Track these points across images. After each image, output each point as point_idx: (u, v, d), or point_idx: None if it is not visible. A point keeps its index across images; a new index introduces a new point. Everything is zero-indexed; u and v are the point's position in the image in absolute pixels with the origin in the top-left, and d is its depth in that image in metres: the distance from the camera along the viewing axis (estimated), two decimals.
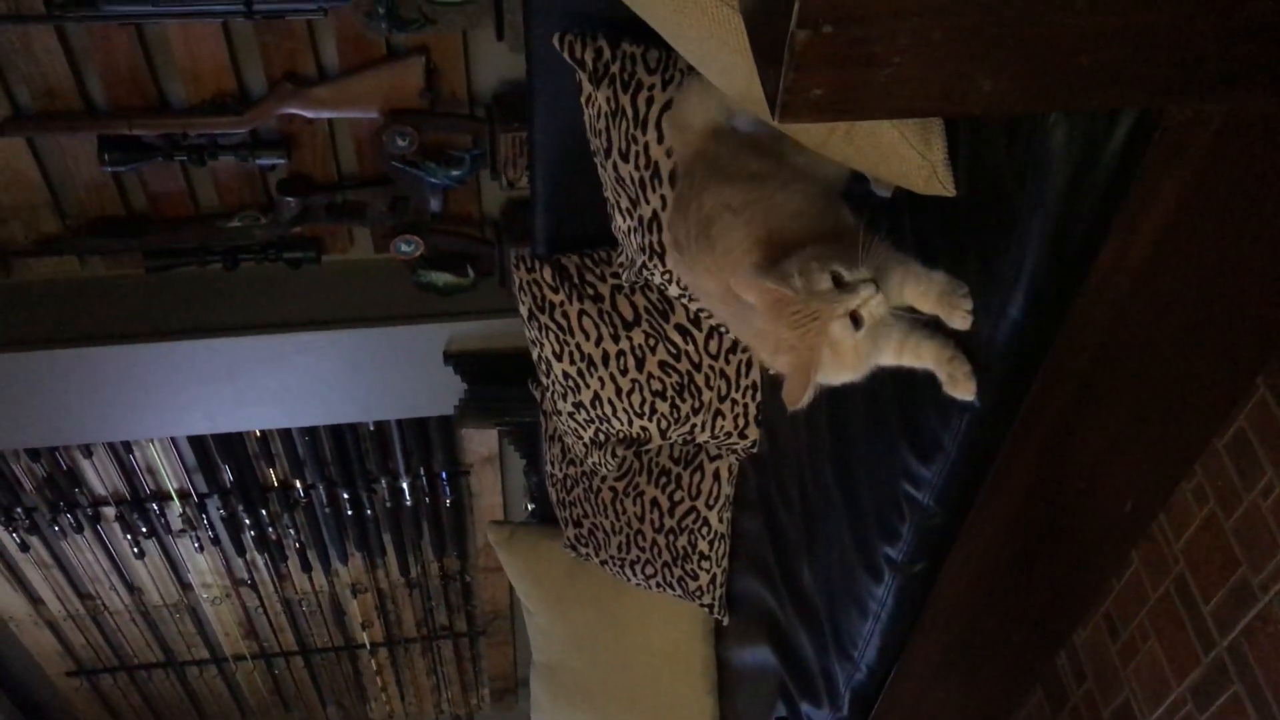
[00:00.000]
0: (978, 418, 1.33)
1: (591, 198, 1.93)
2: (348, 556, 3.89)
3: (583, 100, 1.82)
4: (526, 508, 3.50)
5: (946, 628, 1.67)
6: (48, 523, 3.49)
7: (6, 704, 4.24)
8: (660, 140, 1.72)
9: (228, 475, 3.42)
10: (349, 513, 3.61)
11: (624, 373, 2.06)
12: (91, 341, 2.69)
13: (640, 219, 1.82)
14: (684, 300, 1.98)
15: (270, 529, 3.66)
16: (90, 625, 4.08)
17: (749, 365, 2.03)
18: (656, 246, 1.82)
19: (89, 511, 3.50)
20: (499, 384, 2.85)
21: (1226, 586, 1.47)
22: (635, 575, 2.37)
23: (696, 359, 2.03)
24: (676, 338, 2.03)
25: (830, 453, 1.72)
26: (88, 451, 3.28)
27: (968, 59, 0.84)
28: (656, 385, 2.06)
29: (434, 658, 4.64)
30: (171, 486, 3.46)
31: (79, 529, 3.53)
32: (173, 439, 3.30)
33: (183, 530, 3.62)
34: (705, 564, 2.27)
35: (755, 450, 2.11)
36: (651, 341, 2.04)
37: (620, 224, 1.90)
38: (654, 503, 2.25)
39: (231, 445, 3.34)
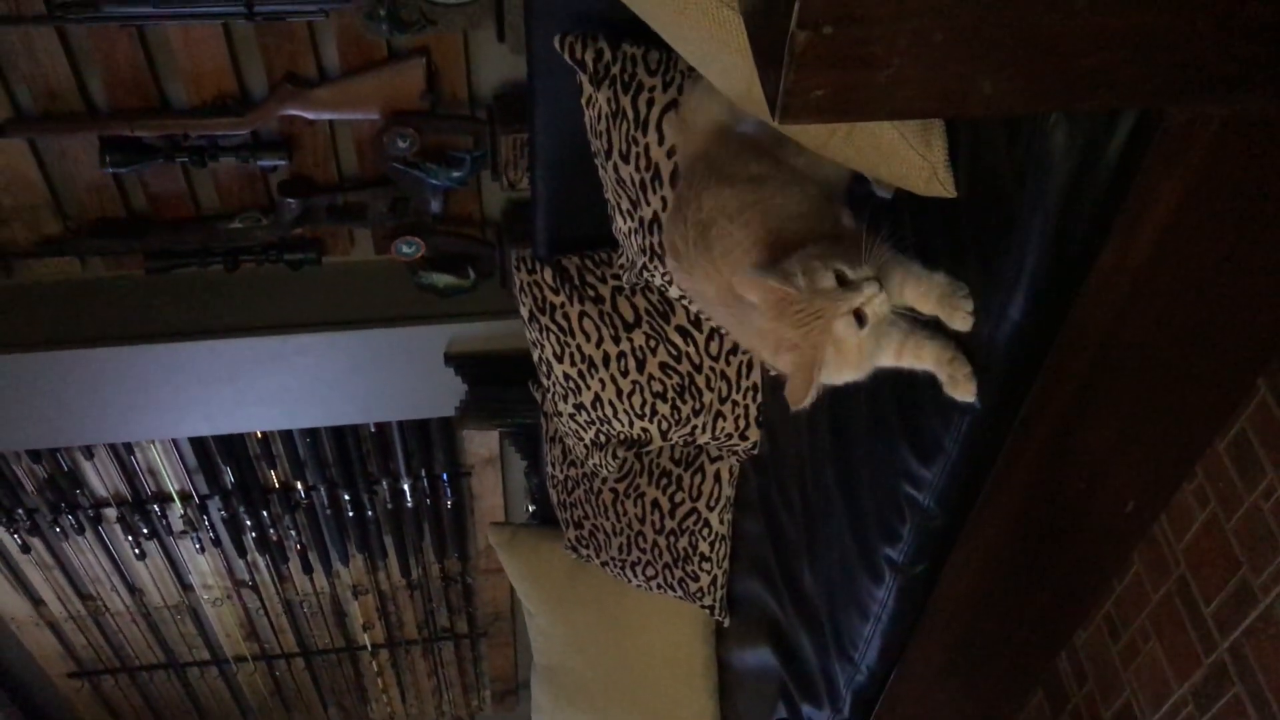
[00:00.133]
0: (978, 419, 1.33)
1: (592, 199, 1.93)
2: (349, 558, 3.89)
3: (583, 102, 1.82)
4: (527, 509, 3.51)
5: (947, 629, 1.67)
6: (49, 524, 3.49)
7: (7, 705, 4.24)
8: (661, 142, 1.72)
9: (229, 476, 3.42)
10: (350, 514, 3.61)
11: (625, 374, 2.06)
12: (93, 343, 2.69)
13: (641, 220, 1.82)
14: (685, 302, 1.98)
15: (271, 530, 3.66)
16: (91, 626, 4.08)
17: (750, 367, 2.03)
18: (657, 248, 1.82)
19: (90, 513, 3.50)
20: (500, 385, 2.86)
21: (1228, 588, 1.47)
22: (636, 577, 2.37)
23: (697, 360, 2.03)
24: (677, 339, 2.03)
25: (831, 454, 1.72)
26: (89, 453, 3.28)
27: (968, 60, 0.84)
28: (657, 387, 2.06)
29: (435, 659, 4.64)
30: (173, 488, 3.46)
31: (80, 530, 3.53)
32: (174, 440, 3.30)
33: (184, 531, 3.62)
34: (706, 565, 2.27)
35: (756, 452, 2.11)
36: (652, 343, 2.04)
37: (621, 225, 1.90)
38: (655, 504, 2.25)
39: (233, 446, 3.34)
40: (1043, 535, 1.55)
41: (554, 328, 2.06)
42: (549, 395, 2.23)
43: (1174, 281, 1.18)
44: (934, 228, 1.33)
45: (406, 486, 3.53)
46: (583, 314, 2.05)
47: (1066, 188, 1.11)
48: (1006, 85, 0.87)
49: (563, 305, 2.05)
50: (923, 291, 1.24)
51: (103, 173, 2.46)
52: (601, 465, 2.24)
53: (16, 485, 3.35)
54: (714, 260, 1.35)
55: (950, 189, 1.25)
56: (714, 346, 2.03)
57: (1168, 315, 1.23)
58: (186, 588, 3.99)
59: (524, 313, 2.10)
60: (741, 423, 2.07)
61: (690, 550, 2.26)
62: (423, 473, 3.51)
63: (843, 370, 1.24)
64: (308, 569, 3.91)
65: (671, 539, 2.26)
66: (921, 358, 1.28)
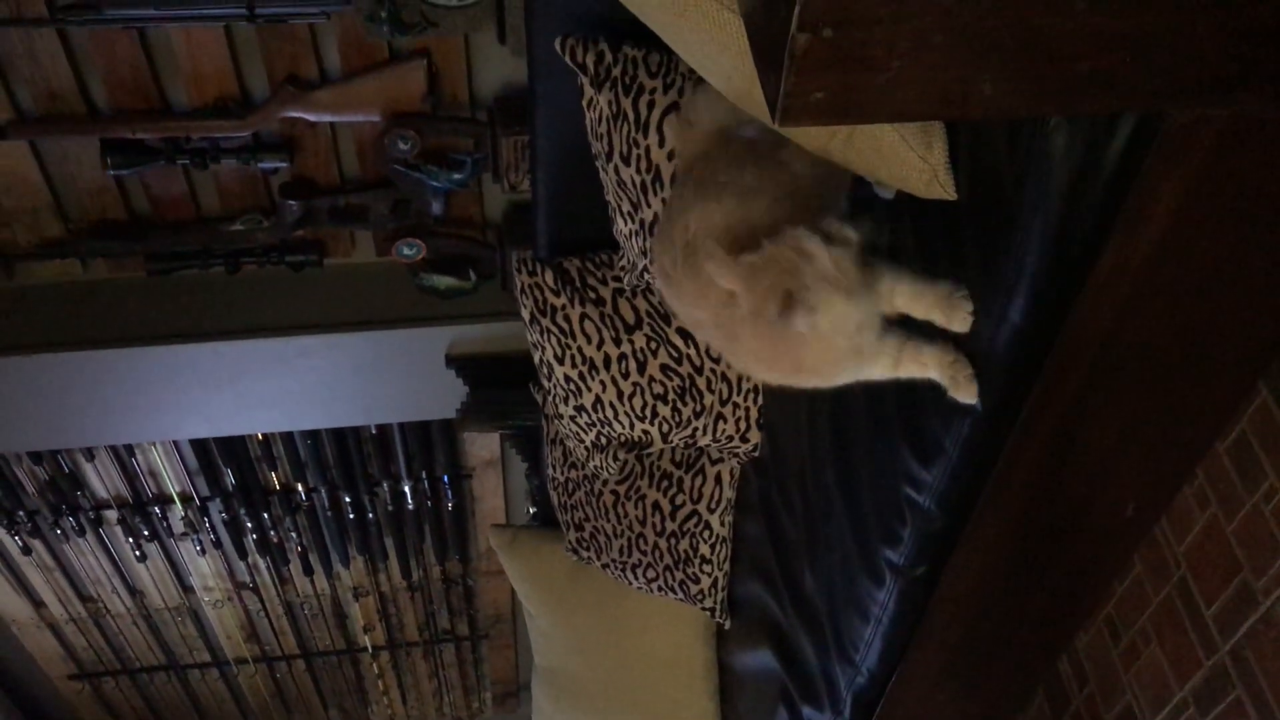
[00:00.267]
0: (979, 421, 1.33)
1: (593, 201, 1.94)
2: (349, 560, 3.89)
3: (584, 104, 1.82)
4: (528, 511, 3.51)
5: (948, 631, 1.67)
6: (50, 525, 3.49)
7: (8, 707, 4.24)
8: (661, 144, 1.72)
9: (230, 478, 3.42)
10: (351, 516, 3.61)
11: (625, 376, 2.06)
12: (94, 345, 2.70)
13: (642, 222, 1.83)
14: None
15: (272, 532, 3.66)
16: (92, 628, 4.08)
17: None
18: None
19: (91, 514, 3.50)
20: (501, 387, 2.86)
21: (1228, 590, 1.47)
22: (637, 579, 2.37)
23: (698, 362, 2.03)
24: (678, 341, 2.03)
25: (831, 456, 1.72)
26: (90, 454, 3.28)
27: (968, 62, 0.85)
28: (658, 388, 2.06)
29: (436, 661, 4.64)
30: (173, 489, 3.46)
31: (81, 532, 3.53)
32: (175, 442, 3.30)
33: (185, 533, 3.62)
34: (707, 568, 2.27)
35: (757, 454, 2.11)
36: (653, 345, 2.04)
37: (622, 227, 1.90)
38: (655, 506, 2.25)
39: (233, 448, 3.34)
40: (1043, 537, 1.55)
41: (555, 330, 2.07)
42: (550, 397, 2.23)
43: (1174, 283, 1.18)
44: (934, 230, 1.33)
45: (407, 488, 3.53)
46: (584, 316, 2.05)
47: (1067, 189, 1.11)
48: (1007, 87, 0.87)
49: (564, 307, 2.05)
50: (916, 293, 1.24)
51: (104, 175, 2.46)
52: (602, 467, 2.24)
53: (17, 487, 3.35)
54: (701, 286, 1.31)
55: (951, 191, 1.25)
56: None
57: (1168, 317, 1.23)
58: (187, 589, 3.99)
59: (525, 315, 2.10)
60: (742, 425, 2.07)
61: (691, 552, 2.26)
62: (424, 475, 3.51)
63: (833, 297, 1.18)
64: (308, 571, 3.91)
65: (672, 541, 2.26)
66: (923, 362, 1.28)
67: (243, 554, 3.76)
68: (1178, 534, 1.55)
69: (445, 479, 3.54)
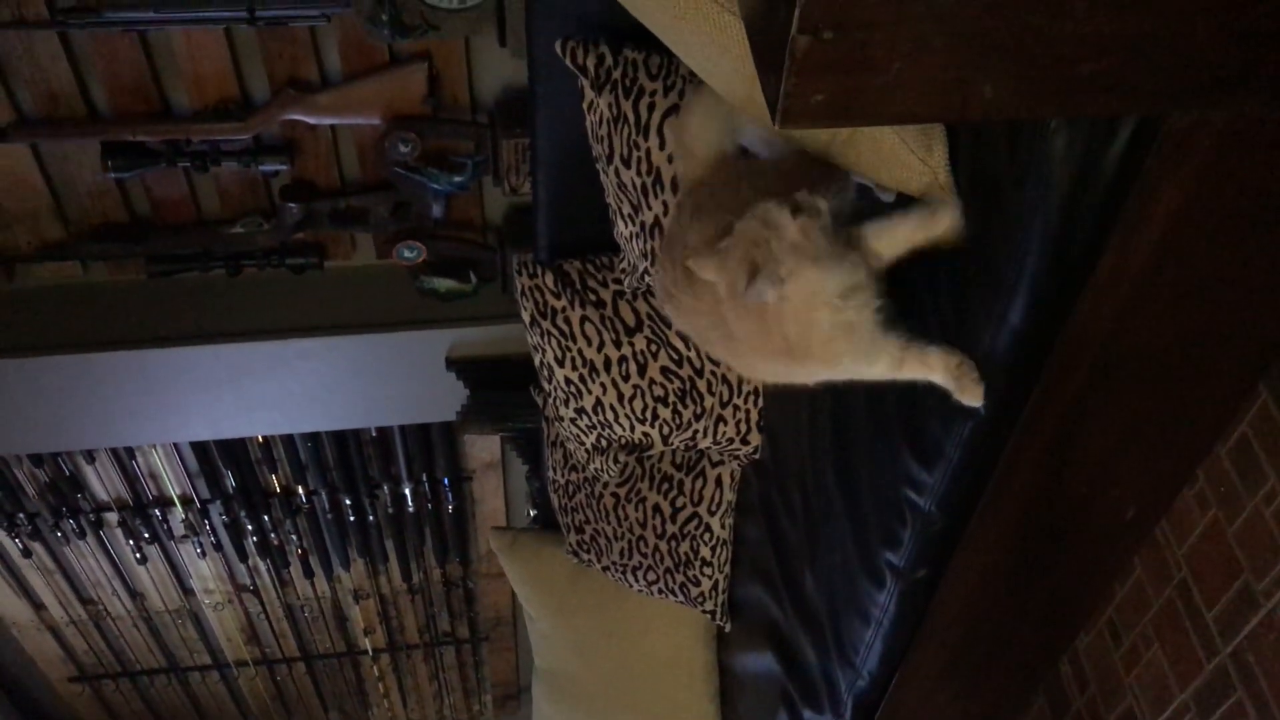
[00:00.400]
0: (979, 423, 1.33)
1: (593, 203, 1.94)
2: (350, 562, 3.89)
3: (585, 106, 1.82)
4: (529, 513, 3.51)
5: (948, 634, 1.67)
6: (50, 528, 3.50)
7: (8, 709, 4.24)
8: (662, 146, 1.72)
9: (230, 481, 3.42)
10: (351, 518, 3.62)
11: (626, 378, 2.06)
12: (94, 347, 2.70)
13: (642, 225, 1.83)
14: None
15: (273, 534, 3.66)
16: (92, 631, 4.08)
17: None
18: (658, 252, 1.82)
19: (91, 517, 3.50)
20: (501, 390, 2.86)
21: (1229, 593, 1.47)
22: (637, 581, 2.37)
23: (699, 365, 2.03)
24: (679, 344, 2.03)
25: (832, 458, 1.72)
26: (90, 457, 3.28)
27: (968, 65, 0.85)
28: (659, 391, 2.06)
29: (436, 664, 4.64)
30: (174, 492, 3.46)
31: (81, 534, 3.53)
32: (175, 444, 3.30)
33: (185, 536, 3.62)
34: (707, 570, 2.27)
35: (757, 456, 2.11)
36: (654, 347, 2.04)
37: (622, 230, 1.90)
38: (656, 509, 2.25)
39: (234, 451, 3.34)
40: (1044, 539, 1.54)
41: (555, 332, 2.06)
42: (550, 400, 2.23)
43: (1174, 286, 1.18)
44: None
45: (408, 491, 3.53)
46: (584, 318, 2.05)
47: (1067, 191, 1.11)
48: (1006, 90, 0.87)
49: (564, 310, 2.05)
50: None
51: (105, 177, 2.46)
52: (603, 470, 2.24)
53: (18, 489, 3.35)
54: (697, 296, 1.32)
55: (951, 194, 1.24)
56: None
57: (1168, 319, 1.23)
58: (187, 592, 3.99)
59: (525, 317, 2.10)
60: (743, 427, 2.07)
61: (691, 555, 2.26)
62: (424, 477, 3.51)
63: (801, 264, 1.15)
64: (309, 573, 3.91)
65: (673, 544, 2.26)
66: (927, 363, 1.28)
67: (243, 556, 3.76)
68: (1178, 536, 1.55)
69: (446, 481, 3.54)
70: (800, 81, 0.83)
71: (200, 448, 3.31)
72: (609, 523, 2.33)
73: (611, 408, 2.09)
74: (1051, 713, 1.89)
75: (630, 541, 2.31)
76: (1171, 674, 1.60)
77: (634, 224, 1.84)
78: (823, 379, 1.37)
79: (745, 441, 2.09)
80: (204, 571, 3.87)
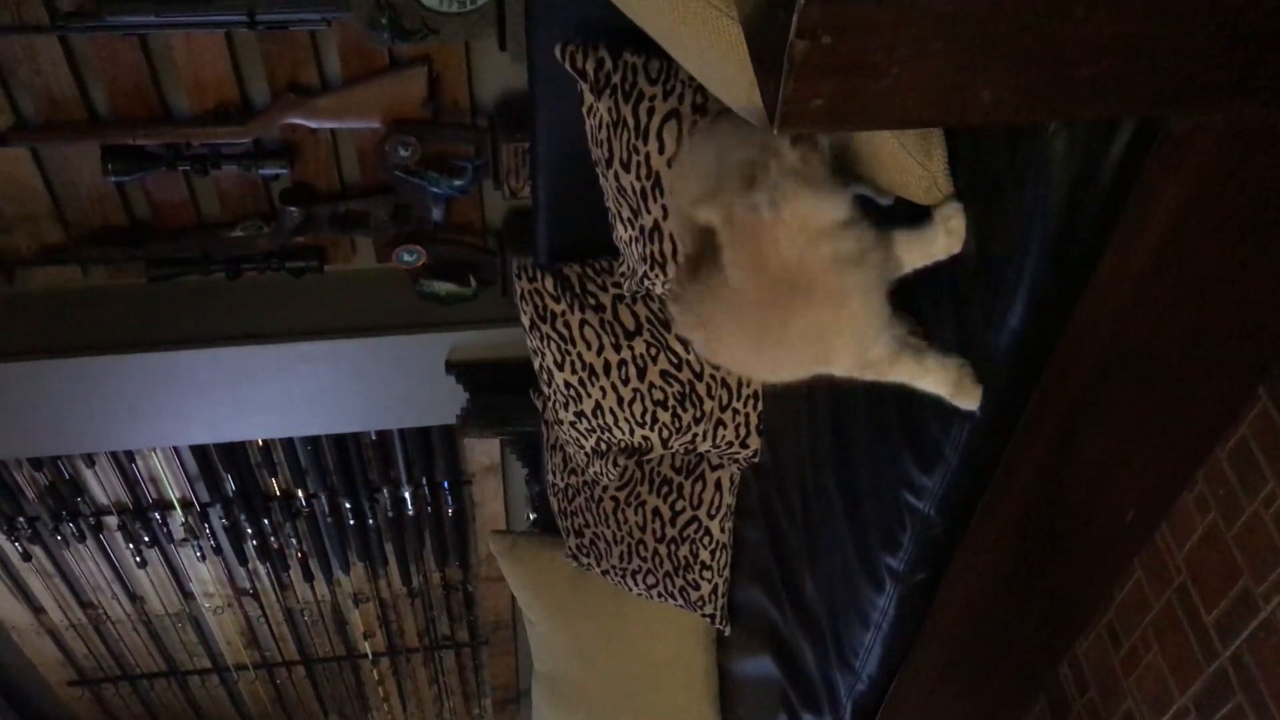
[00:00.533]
0: (979, 426, 1.33)
1: (593, 207, 1.94)
2: (350, 566, 3.89)
3: (584, 110, 1.82)
4: (528, 517, 3.51)
5: (948, 637, 1.66)
6: (50, 531, 3.49)
7: (8, 713, 4.24)
8: (661, 150, 1.73)
9: (230, 484, 3.42)
10: (351, 522, 3.61)
11: (625, 382, 2.06)
12: (94, 351, 2.70)
13: (642, 229, 1.83)
14: None
15: (272, 538, 3.66)
16: (92, 634, 4.08)
17: None
18: (658, 256, 1.83)
19: (91, 520, 3.50)
20: (501, 393, 2.86)
21: (1229, 596, 1.46)
22: (637, 585, 2.36)
23: (698, 368, 2.03)
24: (678, 347, 2.03)
25: (831, 462, 1.72)
26: (90, 460, 3.28)
27: (967, 69, 0.85)
28: (658, 394, 2.06)
29: (436, 667, 4.64)
30: (174, 495, 3.46)
31: (81, 538, 3.53)
32: (175, 448, 3.30)
33: (185, 539, 3.62)
34: (707, 574, 2.27)
35: (757, 459, 2.11)
36: (653, 351, 2.04)
37: (621, 233, 1.90)
38: (655, 512, 2.25)
39: (234, 454, 3.34)
40: (1043, 543, 1.54)
41: (555, 335, 2.07)
42: (550, 403, 2.23)
43: (1174, 289, 1.18)
44: None
45: (408, 494, 3.53)
46: (583, 322, 2.05)
47: (1066, 195, 1.11)
48: (1006, 93, 0.87)
49: (563, 313, 2.05)
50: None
51: (105, 181, 2.46)
52: (602, 473, 2.24)
53: (18, 493, 3.35)
54: (703, 282, 1.31)
55: (950, 198, 1.25)
56: None
57: (1168, 322, 1.22)
58: (187, 595, 3.99)
59: (525, 320, 2.10)
60: (742, 430, 2.07)
61: (691, 558, 2.26)
62: (424, 480, 3.51)
63: (799, 187, 1.12)
64: (309, 577, 3.90)
65: (672, 547, 2.26)
66: (925, 365, 1.28)
67: (243, 560, 3.75)
68: (1178, 539, 1.55)
69: (445, 485, 3.54)
70: (799, 86, 0.83)
71: (200, 451, 3.31)
72: (608, 526, 2.32)
73: (611, 411, 2.09)
74: (1051, 716, 1.89)
75: (630, 545, 2.31)
76: (1171, 677, 1.59)
77: (633, 228, 1.84)
78: (831, 344, 1.26)
79: (745, 445, 2.09)
80: (204, 575, 3.87)
